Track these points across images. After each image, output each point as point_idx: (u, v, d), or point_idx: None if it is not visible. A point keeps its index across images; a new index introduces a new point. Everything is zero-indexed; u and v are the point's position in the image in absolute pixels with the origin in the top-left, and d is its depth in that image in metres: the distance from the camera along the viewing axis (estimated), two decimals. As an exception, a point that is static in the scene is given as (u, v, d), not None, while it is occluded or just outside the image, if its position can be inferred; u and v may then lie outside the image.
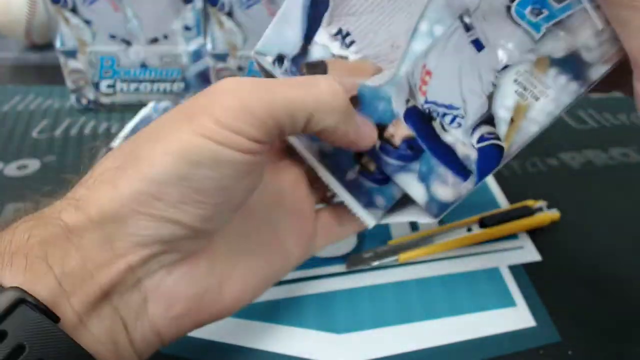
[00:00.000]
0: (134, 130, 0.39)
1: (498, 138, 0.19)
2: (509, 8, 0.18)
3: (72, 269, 0.15)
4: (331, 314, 0.25)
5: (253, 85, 0.17)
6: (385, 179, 0.22)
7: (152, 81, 0.44)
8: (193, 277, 0.18)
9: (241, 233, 0.20)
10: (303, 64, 0.21)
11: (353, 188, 0.23)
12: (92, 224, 0.16)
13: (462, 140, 0.19)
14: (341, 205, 0.24)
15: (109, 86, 0.44)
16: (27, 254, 0.14)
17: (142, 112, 0.43)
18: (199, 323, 0.19)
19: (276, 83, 0.18)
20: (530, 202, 0.31)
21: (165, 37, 0.43)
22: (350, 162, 0.23)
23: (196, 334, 0.24)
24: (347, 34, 0.20)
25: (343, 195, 0.23)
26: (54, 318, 0.14)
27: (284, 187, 0.22)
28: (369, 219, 0.23)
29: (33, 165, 0.38)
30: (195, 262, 0.18)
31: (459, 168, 0.20)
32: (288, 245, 0.22)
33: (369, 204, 0.23)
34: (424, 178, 0.20)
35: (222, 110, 0.16)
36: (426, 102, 0.20)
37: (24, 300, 0.13)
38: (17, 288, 0.14)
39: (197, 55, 0.44)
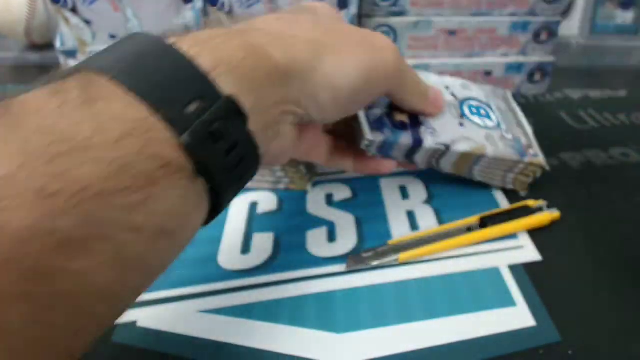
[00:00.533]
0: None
1: None
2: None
3: (264, 99, 0.19)
4: (331, 314, 0.25)
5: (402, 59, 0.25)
6: (402, 127, 0.29)
7: (152, 81, 0.44)
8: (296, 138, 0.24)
9: None
10: None
11: (372, 117, 0.28)
12: (292, 70, 0.20)
13: None
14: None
15: (109, 86, 0.44)
16: (243, 74, 0.18)
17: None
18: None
19: (410, 70, 0.26)
20: (530, 202, 0.31)
21: (166, 37, 0.43)
22: (386, 103, 0.29)
23: (196, 333, 0.24)
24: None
25: (360, 114, 0.28)
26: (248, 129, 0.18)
27: None
28: (368, 132, 0.27)
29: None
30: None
31: None
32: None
33: (376, 129, 0.28)
34: None
35: (393, 58, 0.23)
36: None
37: (240, 113, 0.17)
38: (235, 100, 0.17)
39: (197, 55, 0.44)
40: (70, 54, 0.43)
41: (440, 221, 0.31)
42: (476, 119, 0.32)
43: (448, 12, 0.44)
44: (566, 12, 0.46)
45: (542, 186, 0.34)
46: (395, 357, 0.22)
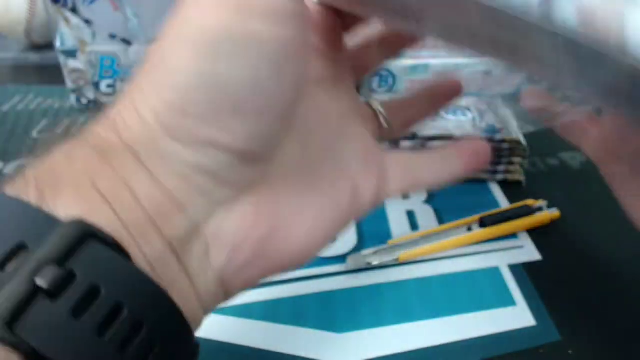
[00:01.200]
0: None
1: None
2: None
3: (129, 206, 0.12)
4: (331, 314, 0.25)
5: None
6: None
7: (152, 81, 0.44)
8: (255, 217, 0.15)
9: (302, 164, 0.16)
10: None
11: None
12: (126, 148, 0.13)
13: None
14: (422, 151, 0.22)
15: (109, 86, 0.44)
16: (75, 182, 0.12)
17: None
18: (266, 272, 0.16)
19: None
20: (530, 202, 0.31)
21: (165, 37, 0.43)
22: None
23: (196, 332, 0.24)
24: None
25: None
26: (125, 255, 0.12)
27: (344, 104, 0.19)
28: None
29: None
30: (255, 200, 0.15)
31: None
32: (357, 183, 0.18)
33: None
34: None
35: None
36: None
37: (92, 234, 0.11)
38: (80, 220, 0.11)
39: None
40: (70, 53, 0.43)
41: (440, 221, 0.31)
42: (450, 116, 0.35)
43: (448, 12, 0.44)
44: (566, 12, 0.46)
45: (542, 186, 0.34)
46: (395, 357, 0.22)
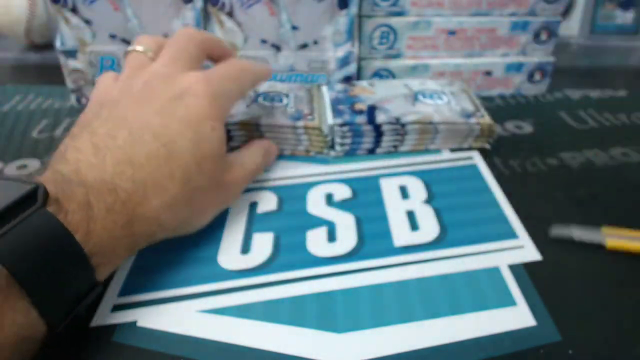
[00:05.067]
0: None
1: None
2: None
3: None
4: (331, 314, 0.25)
5: None
6: (359, 112, 0.37)
7: (152, 81, 0.44)
8: None
9: None
10: None
11: (335, 110, 0.37)
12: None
13: None
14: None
15: (109, 86, 0.44)
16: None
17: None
18: None
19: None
20: None
21: (165, 36, 0.43)
22: (349, 102, 0.38)
23: (196, 333, 0.24)
24: None
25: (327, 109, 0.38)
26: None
27: None
28: (330, 118, 0.36)
29: (33, 165, 0.38)
30: None
31: None
32: None
33: (337, 115, 0.36)
34: None
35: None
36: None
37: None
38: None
39: (197, 55, 0.44)
40: (70, 53, 0.43)
41: (441, 221, 0.31)
42: (428, 100, 0.38)
43: (448, 12, 0.44)
44: (566, 12, 0.46)
45: (542, 186, 0.34)
46: (395, 357, 0.22)
